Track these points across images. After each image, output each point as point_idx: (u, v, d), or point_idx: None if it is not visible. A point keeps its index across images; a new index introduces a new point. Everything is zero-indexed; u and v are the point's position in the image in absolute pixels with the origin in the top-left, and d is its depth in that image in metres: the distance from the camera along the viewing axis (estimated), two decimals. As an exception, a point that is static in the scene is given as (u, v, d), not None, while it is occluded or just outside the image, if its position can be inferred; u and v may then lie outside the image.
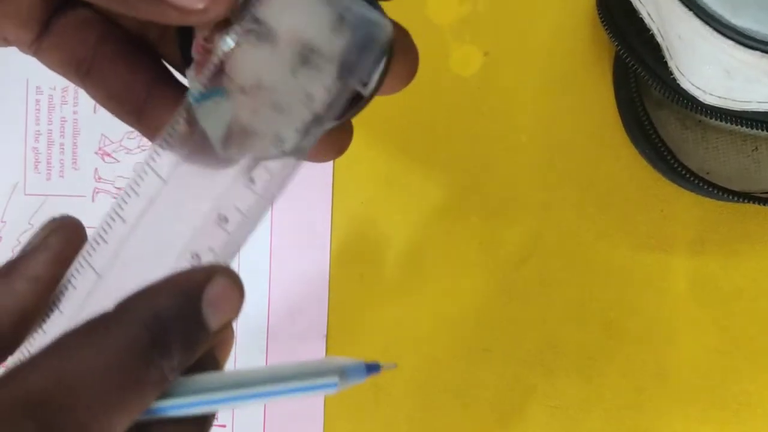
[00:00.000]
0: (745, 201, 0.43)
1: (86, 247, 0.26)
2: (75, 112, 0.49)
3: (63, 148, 0.49)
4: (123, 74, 0.28)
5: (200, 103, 0.25)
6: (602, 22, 0.43)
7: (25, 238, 0.29)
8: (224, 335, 0.26)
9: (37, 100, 0.49)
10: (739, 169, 0.44)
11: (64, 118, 0.49)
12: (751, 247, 0.46)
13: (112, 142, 0.49)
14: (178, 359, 0.23)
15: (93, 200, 0.49)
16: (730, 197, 0.43)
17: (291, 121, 0.25)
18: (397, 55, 0.26)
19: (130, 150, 0.49)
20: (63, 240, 0.27)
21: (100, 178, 0.49)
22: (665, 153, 0.44)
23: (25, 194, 0.50)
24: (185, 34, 0.28)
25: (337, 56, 0.25)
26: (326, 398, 0.47)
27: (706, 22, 0.35)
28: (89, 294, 0.26)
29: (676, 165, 0.44)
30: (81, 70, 0.28)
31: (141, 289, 0.24)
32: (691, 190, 0.45)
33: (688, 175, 0.44)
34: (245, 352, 0.48)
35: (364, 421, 0.47)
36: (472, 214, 0.47)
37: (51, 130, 0.49)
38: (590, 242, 0.46)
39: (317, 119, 0.25)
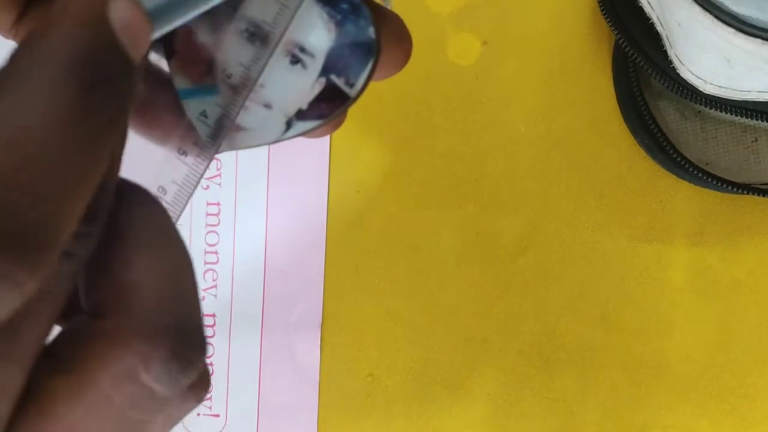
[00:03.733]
0: (745, 192, 0.43)
1: None
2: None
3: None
4: None
5: (191, 99, 0.26)
6: (602, 10, 0.43)
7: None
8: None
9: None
10: (739, 160, 0.44)
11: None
12: (750, 239, 0.45)
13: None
14: (116, 103, 0.20)
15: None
16: (730, 188, 0.43)
17: (277, 118, 0.27)
18: (389, 42, 0.26)
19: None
20: None
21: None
22: (664, 144, 0.44)
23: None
24: None
25: (324, 56, 0.26)
26: (320, 389, 0.47)
27: (707, 10, 0.34)
28: None
29: (675, 156, 0.43)
30: None
31: (36, 34, 0.20)
32: (691, 182, 0.45)
33: (687, 166, 0.43)
34: (240, 343, 0.47)
35: (359, 413, 0.47)
36: (470, 204, 0.46)
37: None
38: (589, 233, 0.46)
39: (301, 116, 0.26)
